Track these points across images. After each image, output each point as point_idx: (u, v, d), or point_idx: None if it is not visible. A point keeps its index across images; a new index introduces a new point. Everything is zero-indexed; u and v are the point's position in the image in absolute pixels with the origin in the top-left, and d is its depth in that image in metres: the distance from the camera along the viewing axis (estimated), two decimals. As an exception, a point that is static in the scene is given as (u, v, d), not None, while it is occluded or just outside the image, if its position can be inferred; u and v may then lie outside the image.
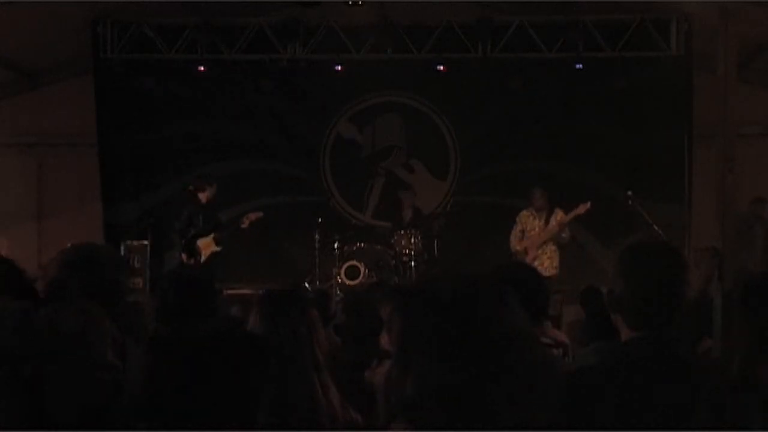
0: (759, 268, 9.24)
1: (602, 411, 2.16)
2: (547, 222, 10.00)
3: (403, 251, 10.63)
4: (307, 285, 10.46)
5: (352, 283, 10.39)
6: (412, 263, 10.56)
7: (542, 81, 11.55)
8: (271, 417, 2.80)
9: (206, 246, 10.13)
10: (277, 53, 11.42)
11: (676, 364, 2.23)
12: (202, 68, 11.48)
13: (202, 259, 10.06)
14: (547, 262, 9.87)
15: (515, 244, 10.16)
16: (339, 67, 11.61)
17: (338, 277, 10.55)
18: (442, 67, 11.51)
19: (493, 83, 11.67)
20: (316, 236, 10.81)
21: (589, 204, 9.89)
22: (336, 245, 10.76)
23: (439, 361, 1.31)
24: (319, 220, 10.91)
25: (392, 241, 10.77)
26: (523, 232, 10.15)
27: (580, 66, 11.35)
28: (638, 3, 11.20)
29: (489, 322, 1.35)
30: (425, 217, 11.25)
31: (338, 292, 10.20)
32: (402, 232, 10.73)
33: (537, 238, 10.00)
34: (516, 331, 1.38)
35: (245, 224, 10.14)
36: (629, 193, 9.92)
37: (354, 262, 10.61)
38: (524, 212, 10.20)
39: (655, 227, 9.53)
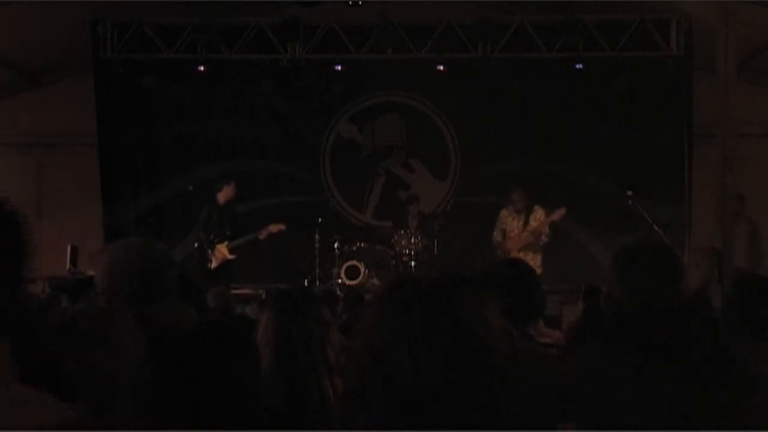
0: (743, 266, 9.23)
1: (600, 410, 2.16)
2: (526, 223, 9.92)
3: (403, 251, 10.64)
4: (305, 284, 10.48)
5: (352, 282, 10.41)
6: (412, 263, 10.56)
7: (542, 81, 11.55)
8: (282, 417, 2.80)
9: (221, 252, 9.93)
10: (277, 53, 11.42)
11: (672, 364, 2.23)
12: (202, 68, 11.48)
13: (213, 265, 9.89)
14: (530, 264, 9.76)
15: (497, 244, 10.13)
16: (339, 67, 11.61)
17: (338, 277, 10.56)
18: (442, 67, 11.51)
19: (493, 83, 11.67)
20: (316, 236, 10.82)
21: (564, 210, 9.84)
22: (336, 245, 10.77)
23: (408, 360, 1.29)
24: (319, 220, 10.92)
25: (392, 241, 10.78)
26: (504, 231, 10.10)
27: (580, 66, 11.35)
28: (638, 3, 11.21)
29: (463, 320, 1.35)
30: (425, 217, 11.24)
31: (338, 291, 10.21)
32: (402, 232, 10.73)
33: (518, 240, 9.91)
34: (492, 331, 1.36)
35: (263, 236, 9.90)
36: (629, 193, 9.91)
37: (354, 262, 10.62)
38: (504, 211, 10.14)
39: (655, 227, 9.53)
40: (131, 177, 11.87)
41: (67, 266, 10.28)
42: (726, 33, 8.45)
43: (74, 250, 10.40)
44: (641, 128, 11.49)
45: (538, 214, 9.92)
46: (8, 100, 12.15)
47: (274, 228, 9.91)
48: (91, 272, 10.10)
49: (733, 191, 8.64)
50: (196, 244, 10.11)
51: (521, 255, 9.83)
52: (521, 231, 9.92)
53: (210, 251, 9.92)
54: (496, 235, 10.11)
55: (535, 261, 9.83)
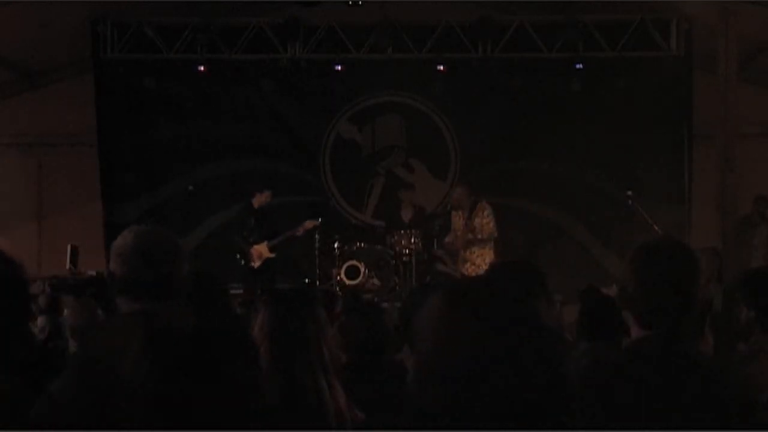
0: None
1: (602, 410, 2.16)
2: (469, 219, 9.81)
3: (403, 251, 10.63)
4: (305, 284, 10.51)
5: (352, 282, 10.41)
6: (412, 263, 10.56)
7: (542, 81, 11.55)
8: (278, 416, 2.80)
9: (261, 252, 10.18)
10: (277, 53, 11.43)
11: (683, 363, 2.23)
12: (202, 68, 11.49)
13: (256, 265, 10.14)
14: (479, 260, 9.65)
15: (444, 245, 10.07)
16: (339, 67, 11.62)
17: (338, 277, 10.56)
18: (442, 67, 11.52)
19: (493, 83, 11.67)
20: (316, 236, 10.82)
21: (485, 202, 9.74)
22: (336, 245, 10.77)
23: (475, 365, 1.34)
24: (319, 220, 10.92)
25: (392, 241, 10.77)
26: (455, 231, 10.02)
27: (580, 66, 11.35)
28: (638, 3, 11.22)
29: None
30: (426, 217, 11.23)
31: (338, 291, 10.21)
32: (402, 232, 10.72)
33: (462, 238, 9.81)
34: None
35: (301, 232, 10.25)
36: (629, 193, 9.90)
37: (354, 262, 10.62)
38: (453, 211, 10.09)
39: (655, 227, 9.53)
40: (131, 177, 11.87)
41: (67, 266, 10.30)
42: (726, 33, 8.45)
43: (74, 250, 10.41)
44: (641, 128, 11.48)
45: (480, 209, 9.76)
46: (8, 100, 12.14)
47: (309, 224, 10.29)
48: (91, 272, 10.13)
49: (733, 192, 8.62)
50: (238, 247, 10.25)
51: (468, 254, 9.74)
52: (465, 228, 9.83)
53: (250, 251, 10.16)
54: (447, 237, 10.07)
55: (484, 257, 9.64)
